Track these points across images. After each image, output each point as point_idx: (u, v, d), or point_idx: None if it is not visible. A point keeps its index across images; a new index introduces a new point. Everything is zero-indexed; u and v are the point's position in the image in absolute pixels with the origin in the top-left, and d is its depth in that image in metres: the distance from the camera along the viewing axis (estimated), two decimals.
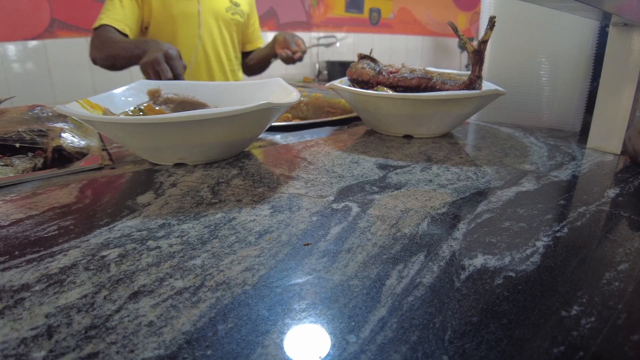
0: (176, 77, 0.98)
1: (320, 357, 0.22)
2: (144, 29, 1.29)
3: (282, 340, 0.24)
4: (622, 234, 0.37)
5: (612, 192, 0.47)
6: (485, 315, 0.26)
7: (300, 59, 1.31)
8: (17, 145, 0.57)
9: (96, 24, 1.17)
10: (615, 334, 0.24)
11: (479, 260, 0.32)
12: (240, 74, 1.53)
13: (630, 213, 0.41)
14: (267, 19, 2.59)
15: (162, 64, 0.95)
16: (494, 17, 0.58)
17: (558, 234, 0.37)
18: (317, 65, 2.85)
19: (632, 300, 0.28)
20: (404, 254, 0.33)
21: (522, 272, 0.31)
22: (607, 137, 0.62)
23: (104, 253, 0.33)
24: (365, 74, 0.75)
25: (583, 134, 0.74)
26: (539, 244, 0.35)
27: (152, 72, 0.96)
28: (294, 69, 2.76)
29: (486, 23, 0.60)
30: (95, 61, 1.21)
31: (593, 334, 0.24)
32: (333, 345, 0.23)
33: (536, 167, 0.55)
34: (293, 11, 2.71)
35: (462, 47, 0.64)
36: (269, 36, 2.61)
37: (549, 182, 0.49)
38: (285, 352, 0.23)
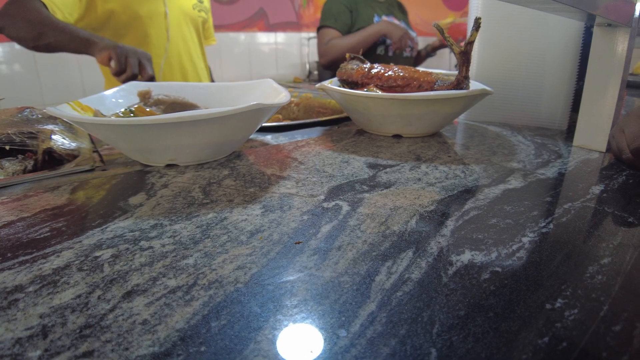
0: (143, 76, 0.89)
1: (311, 352, 0.23)
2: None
3: (274, 335, 0.24)
4: (606, 229, 0.38)
5: (597, 189, 0.48)
6: (472, 309, 0.27)
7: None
8: (7, 147, 0.57)
9: None
10: (598, 325, 0.25)
11: (466, 256, 0.33)
12: (208, 71, 1.46)
13: (614, 209, 0.42)
14: (257, 19, 2.60)
15: (134, 58, 0.87)
16: (479, 18, 0.59)
17: (544, 230, 0.38)
18: (307, 66, 2.85)
19: (614, 292, 0.28)
20: (393, 251, 0.34)
21: (508, 267, 0.31)
22: (593, 135, 0.64)
23: (97, 254, 0.33)
24: (355, 75, 0.75)
25: (569, 132, 0.75)
26: (525, 239, 0.36)
27: (119, 58, 0.86)
28: (284, 70, 2.76)
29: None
30: (1, 29, 0.98)
31: (576, 326, 0.25)
32: (324, 340, 0.24)
33: (523, 165, 0.56)
34: (283, 11, 2.71)
35: (450, 48, 0.65)
36: (259, 37, 2.62)
37: (536, 180, 0.50)
38: (277, 347, 0.23)
